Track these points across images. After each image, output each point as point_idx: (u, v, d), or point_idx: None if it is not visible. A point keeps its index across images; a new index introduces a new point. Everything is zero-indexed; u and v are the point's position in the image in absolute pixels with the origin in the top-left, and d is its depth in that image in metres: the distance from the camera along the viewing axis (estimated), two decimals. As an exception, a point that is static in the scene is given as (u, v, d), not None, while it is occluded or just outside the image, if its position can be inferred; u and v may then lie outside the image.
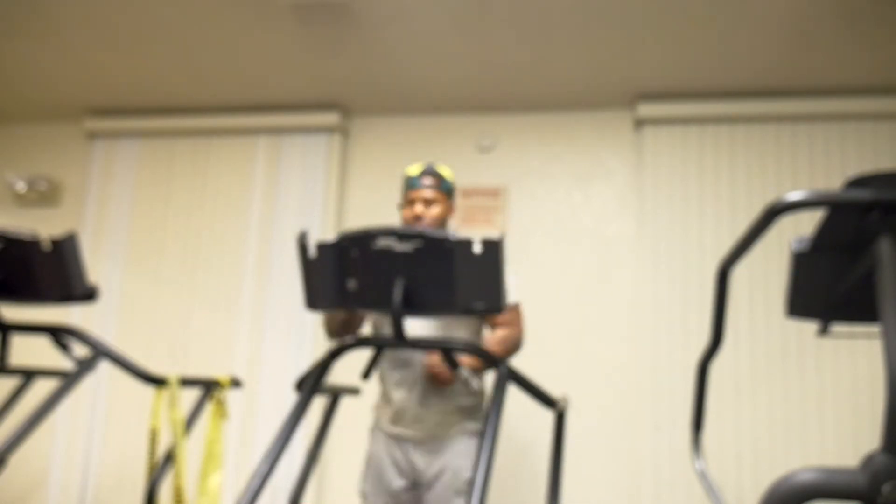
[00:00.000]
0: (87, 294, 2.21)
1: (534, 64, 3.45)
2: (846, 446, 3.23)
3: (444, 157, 3.67)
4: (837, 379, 3.31)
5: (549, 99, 3.78)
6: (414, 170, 2.47)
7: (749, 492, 3.23)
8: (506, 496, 3.43)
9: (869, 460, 1.01)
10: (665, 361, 3.44)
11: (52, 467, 3.88)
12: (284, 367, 3.74)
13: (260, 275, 3.90)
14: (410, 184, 2.44)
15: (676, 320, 3.47)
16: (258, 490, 1.71)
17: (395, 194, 3.72)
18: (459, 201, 3.74)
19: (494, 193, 3.82)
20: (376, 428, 2.47)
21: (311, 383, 1.97)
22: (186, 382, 2.67)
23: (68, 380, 2.25)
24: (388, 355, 2.44)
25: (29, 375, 2.74)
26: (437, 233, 1.81)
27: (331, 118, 3.92)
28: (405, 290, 1.80)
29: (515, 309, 2.44)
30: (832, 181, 3.42)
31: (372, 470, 2.42)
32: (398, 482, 2.36)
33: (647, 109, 3.66)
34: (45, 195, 4.22)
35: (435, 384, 2.31)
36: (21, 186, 4.18)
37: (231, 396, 2.94)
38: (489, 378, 2.48)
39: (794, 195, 1.15)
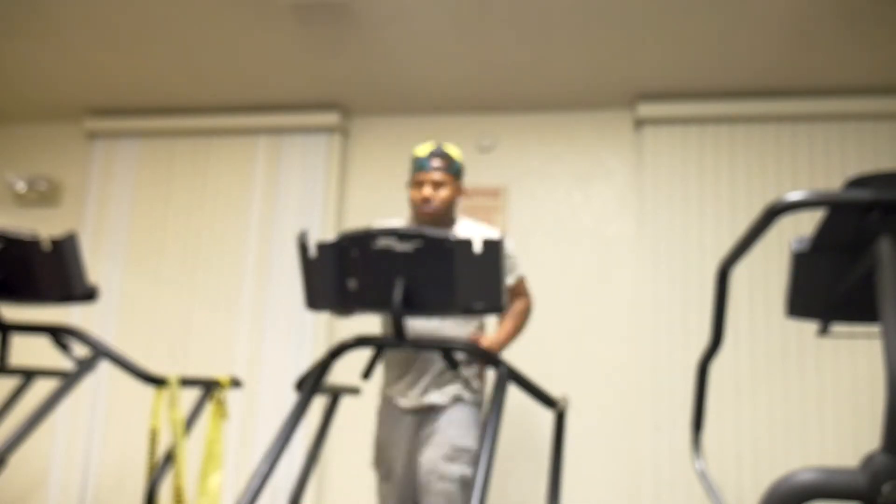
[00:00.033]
0: (87, 294, 2.21)
1: (534, 64, 3.45)
2: (846, 446, 3.23)
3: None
4: (837, 379, 3.31)
5: (549, 99, 3.78)
6: (423, 150, 2.45)
7: (749, 492, 3.23)
8: (506, 496, 3.43)
9: (869, 460, 1.02)
10: (665, 361, 3.44)
11: (52, 467, 3.88)
12: (284, 367, 3.74)
13: (260, 275, 3.90)
14: (419, 165, 2.43)
15: (676, 320, 3.47)
16: (258, 490, 1.71)
17: (396, 194, 3.73)
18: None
19: (494, 193, 3.82)
20: (383, 401, 2.49)
21: (311, 383, 1.97)
22: (186, 382, 2.67)
23: (68, 380, 2.25)
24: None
25: (29, 375, 2.74)
26: (437, 233, 1.81)
27: (331, 118, 3.92)
28: (405, 289, 1.80)
29: (523, 280, 2.57)
30: (832, 181, 3.42)
31: (379, 442, 2.46)
32: (402, 455, 2.38)
33: (647, 109, 3.66)
34: (45, 195, 4.22)
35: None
36: (21, 186, 4.18)
37: (231, 396, 2.94)
38: (489, 377, 2.48)
39: (794, 195, 1.16)
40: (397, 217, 2.67)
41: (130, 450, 3.66)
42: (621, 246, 3.68)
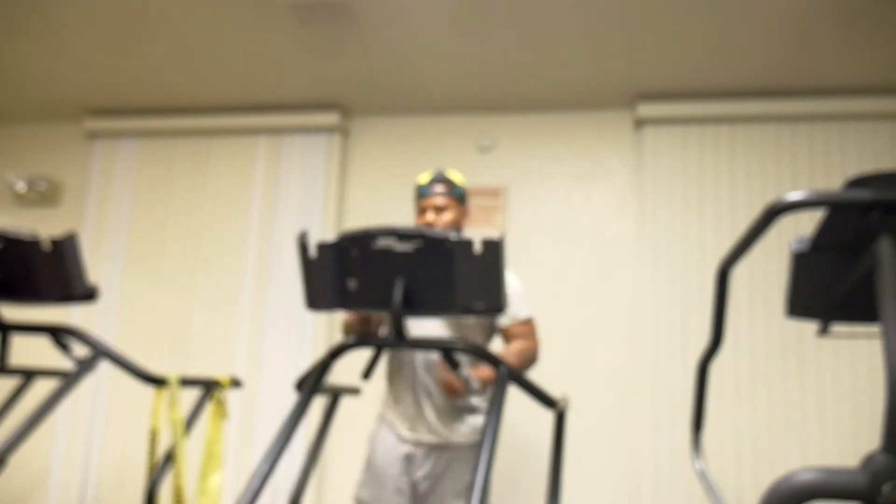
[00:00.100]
0: (87, 294, 2.21)
1: (534, 64, 3.45)
2: (846, 446, 3.23)
3: (444, 157, 3.68)
4: (837, 379, 3.31)
5: (549, 99, 3.78)
6: (424, 178, 2.45)
7: (749, 492, 3.23)
8: (506, 496, 3.43)
9: (869, 460, 1.02)
10: (665, 361, 3.44)
11: (52, 467, 3.88)
12: (284, 367, 3.74)
13: (260, 275, 3.90)
14: (421, 192, 2.43)
15: (676, 320, 3.47)
16: (258, 490, 1.71)
17: (396, 194, 3.74)
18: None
19: (494, 193, 3.82)
20: (384, 429, 2.44)
21: (311, 383, 1.97)
22: (186, 382, 2.67)
23: (68, 380, 2.24)
24: (395, 359, 2.43)
25: (29, 375, 2.73)
26: (436, 233, 1.81)
27: (331, 118, 3.92)
28: (405, 290, 1.80)
29: (530, 322, 2.43)
30: (832, 181, 3.42)
31: (373, 477, 2.39)
32: (403, 491, 2.34)
33: (647, 109, 3.66)
34: (45, 195, 4.22)
35: (448, 396, 2.31)
36: (21, 186, 4.18)
37: (231, 396, 2.94)
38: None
39: (794, 195, 1.16)
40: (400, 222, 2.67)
41: (130, 450, 3.66)
42: (621, 246, 3.68)
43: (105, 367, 3.49)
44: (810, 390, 3.33)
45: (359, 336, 2.27)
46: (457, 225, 2.43)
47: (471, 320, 2.38)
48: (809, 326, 1.64)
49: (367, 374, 2.11)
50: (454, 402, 2.35)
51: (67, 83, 3.89)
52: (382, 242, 1.80)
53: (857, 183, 1.16)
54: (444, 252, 1.77)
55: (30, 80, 3.87)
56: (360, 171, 4.01)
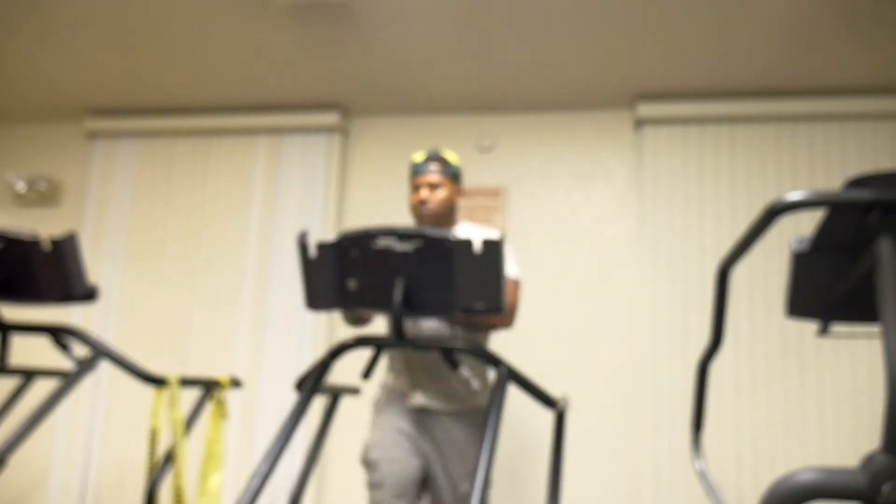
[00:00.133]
0: (87, 294, 2.21)
1: (534, 64, 3.45)
2: (846, 446, 3.23)
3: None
4: (837, 379, 3.31)
5: (549, 99, 3.78)
6: (419, 156, 2.48)
7: (749, 492, 3.23)
8: (506, 496, 3.43)
9: (869, 460, 1.02)
10: (665, 361, 3.44)
11: (52, 467, 3.88)
12: (284, 367, 3.74)
13: (260, 275, 3.90)
14: (415, 170, 2.46)
15: (676, 320, 3.47)
16: (258, 490, 1.71)
17: (396, 194, 3.74)
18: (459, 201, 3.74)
19: (494, 193, 3.82)
20: (389, 395, 2.42)
21: (311, 383, 1.97)
22: (186, 382, 2.67)
23: (68, 380, 2.25)
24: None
25: (29, 375, 2.74)
26: (437, 233, 1.81)
27: (331, 118, 3.92)
28: (405, 289, 1.80)
29: (514, 283, 2.37)
30: (832, 181, 3.42)
31: (384, 435, 2.34)
32: (414, 449, 2.33)
33: (647, 109, 3.66)
34: (45, 195, 4.22)
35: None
36: (21, 186, 4.18)
37: (231, 396, 2.94)
38: (489, 376, 2.48)
39: (794, 195, 1.16)
40: (397, 220, 2.68)
41: (130, 450, 3.66)
42: (621, 246, 3.68)
43: (105, 367, 3.49)
44: (810, 390, 3.33)
45: (358, 336, 2.27)
46: (450, 202, 2.45)
47: None
48: (809, 326, 1.64)
49: (367, 374, 2.12)
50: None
51: (67, 83, 3.89)
52: (382, 242, 1.80)
53: (857, 183, 1.16)
54: (444, 252, 1.77)
55: (30, 80, 3.87)
56: (360, 171, 4.01)
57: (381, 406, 2.45)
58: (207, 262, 3.97)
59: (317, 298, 1.96)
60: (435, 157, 2.46)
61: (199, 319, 3.90)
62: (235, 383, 2.87)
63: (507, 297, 2.20)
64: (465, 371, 2.37)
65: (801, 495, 1.02)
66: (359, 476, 2.49)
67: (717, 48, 3.22)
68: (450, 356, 2.03)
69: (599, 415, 3.49)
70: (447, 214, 2.45)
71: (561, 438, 2.43)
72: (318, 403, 2.93)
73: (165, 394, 2.57)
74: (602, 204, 3.75)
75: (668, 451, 3.35)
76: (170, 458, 2.72)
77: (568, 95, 3.74)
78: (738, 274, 3.14)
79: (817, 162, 3.53)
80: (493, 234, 1.82)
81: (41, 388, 2.65)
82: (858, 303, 1.34)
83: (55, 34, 3.39)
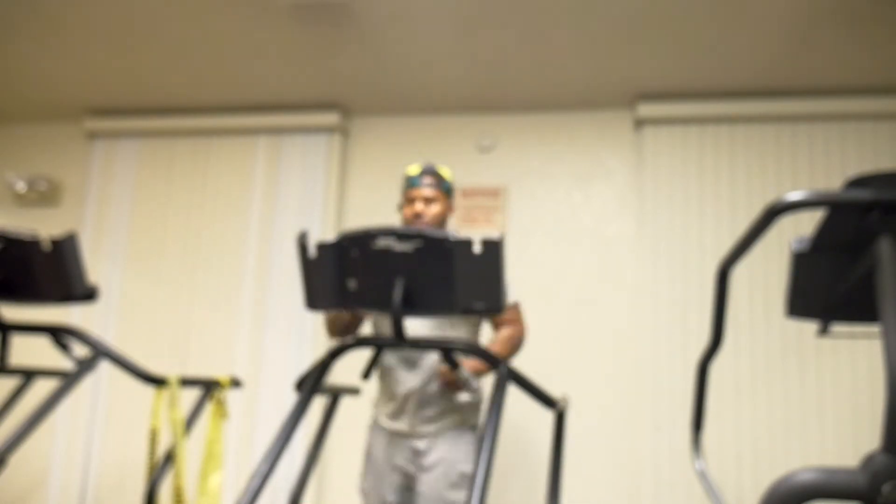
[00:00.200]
0: (87, 294, 2.21)
1: (534, 64, 3.45)
2: (846, 446, 3.23)
3: (444, 157, 3.67)
4: (837, 379, 3.31)
5: (549, 99, 3.78)
6: (413, 169, 2.49)
7: (749, 492, 3.23)
8: (506, 496, 3.43)
9: (869, 460, 1.01)
10: (665, 361, 3.44)
11: (52, 467, 3.88)
12: (284, 367, 3.74)
13: (260, 275, 3.90)
14: (410, 183, 2.47)
15: (676, 320, 3.47)
16: (258, 490, 1.71)
17: (396, 194, 3.72)
18: (459, 201, 3.74)
19: (494, 193, 3.82)
20: (375, 425, 2.48)
21: (311, 383, 1.97)
22: (186, 382, 2.67)
23: (68, 380, 2.24)
24: (390, 353, 2.44)
25: (29, 375, 2.73)
26: (437, 233, 1.81)
27: (331, 118, 3.92)
28: (405, 290, 1.80)
29: (516, 307, 2.48)
30: (832, 181, 3.42)
31: (371, 468, 2.43)
32: (396, 481, 2.37)
33: (647, 109, 3.66)
34: (45, 195, 4.22)
35: (446, 389, 2.32)
36: (21, 186, 4.18)
37: (231, 396, 2.94)
38: (489, 378, 2.48)
39: (794, 195, 1.16)
40: (397, 220, 2.68)
41: (130, 450, 3.66)
42: (621, 246, 3.68)
43: (105, 367, 3.50)
44: (810, 390, 3.33)
45: (358, 336, 2.27)
46: (443, 218, 2.48)
47: None
48: (809, 326, 1.64)
49: (367, 374, 2.12)
50: (449, 395, 2.35)
51: (67, 83, 3.89)
52: (382, 242, 1.80)
53: (857, 183, 1.16)
54: (443, 252, 1.77)
55: (30, 80, 3.87)
56: (360, 171, 4.01)
57: (370, 434, 2.49)
58: (207, 262, 3.97)
59: (317, 298, 1.96)
60: (430, 171, 2.47)
61: (199, 319, 3.90)
62: (235, 383, 2.87)
63: (519, 326, 2.47)
64: (465, 372, 2.37)
65: (801, 495, 1.02)
66: (358, 476, 2.50)
67: (717, 48, 3.22)
68: (449, 356, 2.03)
69: (599, 415, 3.49)
70: (440, 229, 2.47)
71: (561, 438, 2.43)
72: (318, 403, 2.93)
73: (165, 394, 2.57)
74: (602, 204, 3.75)
75: (668, 451, 3.35)
76: (170, 458, 2.72)
77: (568, 95, 3.74)
78: (738, 274, 3.15)
79: (817, 162, 3.53)
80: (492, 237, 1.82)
81: (41, 388, 2.65)
82: (858, 303, 1.34)
83: (55, 34, 3.39)
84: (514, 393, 2.21)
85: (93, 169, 4.20)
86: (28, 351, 2.62)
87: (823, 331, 1.61)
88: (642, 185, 3.67)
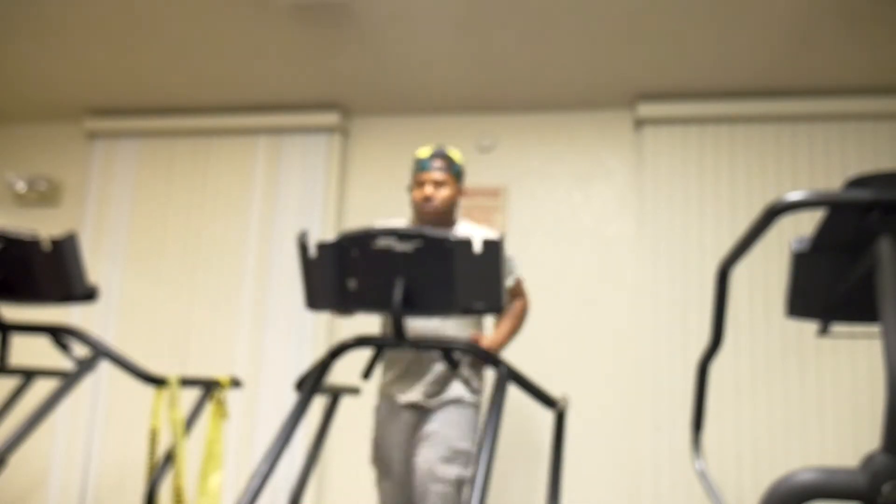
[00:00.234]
0: (87, 294, 2.21)
1: (534, 64, 3.45)
2: (846, 446, 3.23)
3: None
4: (837, 379, 3.31)
5: (549, 99, 3.78)
6: (424, 152, 2.49)
7: (749, 492, 3.23)
8: (506, 496, 3.43)
9: (869, 460, 1.02)
10: (665, 361, 3.44)
11: (52, 467, 3.88)
12: (284, 367, 3.74)
13: (260, 275, 3.90)
14: (420, 165, 2.47)
15: (676, 320, 3.47)
16: (258, 490, 1.71)
17: (395, 194, 3.73)
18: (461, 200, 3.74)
19: (494, 193, 3.82)
20: (379, 394, 2.49)
21: (311, 383, 1.97)
22: (186, 382, 2.67)
23: (68, 380, 2.25)
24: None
25: (29, 375, 2.74)
26: (437, 233, 1.81)
27: (331, 118, 3.92)
28: (405, 289, 1.80)
29: (520, 282, 2.58)
30: (832, 181, 3.42)
31: (376, 439, 2.46)
32: (397, 451, 2.39)
33: (647, 109, 3.66)
34: (45, 195, 4.22)
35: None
36: (21, 186, 4.18)
37: (231, 396, 2.94)
38: (489, 379, 2.48)
39: (794, 195, 1.16)
40: (399, 217, 2.68)
41: (130, 450, 3.66)
42: (621, 246, 3.68)
43: (105, 367, 3.50)
44: (810, 390, 3.33)
45: (358, 336, 2.28)
46: (453, 201, 2.49)
47: None
48: (809, 326, 1.64)
49: (367, 374, 2.12)
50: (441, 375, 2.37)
51: (67, 83, 3.89)
52: (382, 242, 1.80)
53: (857, 183, 1.16)
54: (443, 252, 1.77)
55: (30, 80, 3.87)
56: (360, 171, 4.01)
57: (376, 412, 2.52)
58: (207, 262, 3.97)
59: (317, 298, 1.97)
60: (440, 154, 2.47)
61: (199, 319, 3.90)
62: (235, 383, 2.87)
63: (525, 298, 2.60)
64: (466, 371, 2.37)
65: (801, 495, 1.02)
66: (358, 476, 2.50)
67: (717, 48, 3.22)
68: (450, 356, 2.03)
69: (599, 415, 3.49)
70: (449, 212, 2.48)
71: (561, 438, 2.43)
72: (318, 403, 2.93)
73: (165, 394, 2.57)
74: (602, 204, 3.75)
75: (668, 451, 3.35)
76: (170, 458, 2.72)
77: (568, 95, 3.74)
78: (738, 274, 3.15)
79: (817, 162, 3.53)
80: (492, 234, 1.82)
81: (41, 388, 2.65)
82: (858, 303, 1.34)
83: (55, 34, 3.39)
84: (514, 393, 2.22)
85: (93, 169, 4.20)
86: (28, 351, 2.62)
87: (823, 331, 1.61)
88: (642, 185, 3.67)
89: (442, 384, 2.36)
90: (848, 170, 3.38)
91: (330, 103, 3.92)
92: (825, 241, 1.32)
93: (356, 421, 2.90)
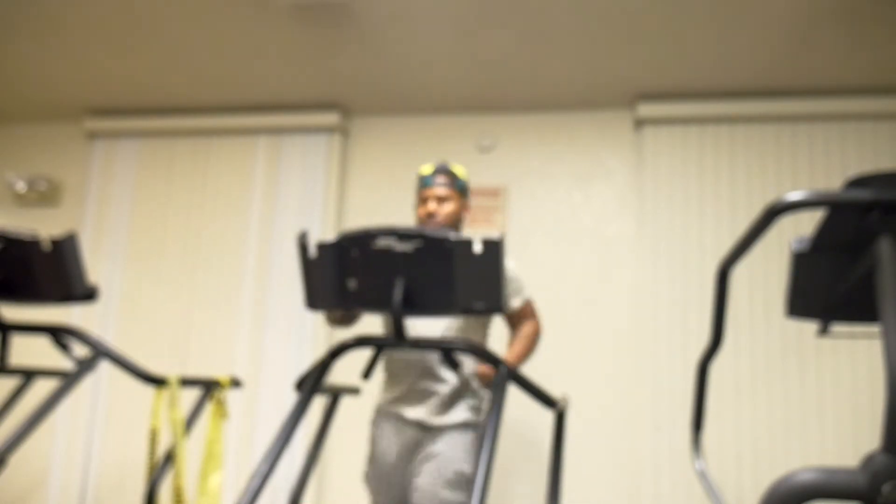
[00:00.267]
0: (87, 294, 2.21)
1: (534, 64, 3.45)
2: (846, 446, 3.23)
3: (444, 157, 3.67)
4: (837, 379, 3.31)
5: (549, 99, 3.78)
6: (427, 169, 2.49)
7: (749, 492, 3.23)
8: (506, 496, 3.44)
9: (869, 460, 1.02)
10: (665, 361, 3.44)
11: (52, 467, 3.88)
12: (284, 367, 3.74)
13: (260, 275, 3.90)
14: (424, 182, 2.46)
15: (676, 320, 3.47)
16: (258, 490, 1.71)
17: (395, 194, 3.74)
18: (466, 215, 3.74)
19: (494, 193, 3.82)
20: (379, 411, 2.46)
21: (311, 383, 1.97)
22: (186, 382, 2.67)
23: (68, 380, 2.25)
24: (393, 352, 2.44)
25: (29, 375, 2.74)
26: (436, 233, 1.81)
27: (331, 118, 3.92)
28: (405, 289, 1.80)
29: (530, 304, 2.52)
30: (832, 181, 3.42)
31: (374, 456, 2.42)
32: (397, 469, 2.35)
33: (647, 109, 3.66)
34: (45, 195, 4.22)
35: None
36: (21, 186, 4.18)
37: (231, 396, 2.94)
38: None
39: (794, 195, 1.16)
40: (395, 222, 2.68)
41: (130, 450, 3.66)
42: (621, 246, 3.68)
43: (105, 367, 3.50)
44: (810, 390, 3.33)
45: (358, 336, 2.28)
46: (457, 217, 2.47)
47: None
48: (809, 326, 1.64)
49: (367, 374, 2.12)
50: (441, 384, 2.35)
51: (67, 83, 3.89)
52: (382, 242, 1.80)
53: (857, 183, 1.16)
54: (443, 252, 1.77)
55: (30, 80, 3.87)
56: (360, 171, 4.01)
57: (374, 426, 2.49)
58: (207, 262, 3.97)
59: (317, 298, 1.97)
60: (443, 169, 2.46)
61: (199, 319, 3.90)
62: (235, 383, 2.87)
63: (536, 320, 2.54)
64: (467, 372, 2.36)
65: (801, 495, 1.02)
66: (358, 476, 2.50)
67: (717, 48, 3.22)
68: (450, 356, 2.03)
69: (599, 415, 3.49)
70: (454, 228, 2.46)
71: (561, 438, 2.43)
72: (318, 403, 2.93)
73: (165, 394, 2.57)
74: (602, 204, 3.75)
75: (668, 451, 3.35)
76: (170, 458, 2.72)
77: (568, 95, 3.74)
78: (738, 274, 3.15)
79: (817, 162, 3.53)
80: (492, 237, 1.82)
81: (41, 388, 2.65)
82: (858, 303, 1.34)
83: (55, 34, 3.39)
84: (514, 393, 2.22)
85: (93, 169, 4.20)
86: (28, 351, 2.62)
87: (823, 331, 1.61)
88: (642, 185, 3.67)
89: (448, 405, 2.33)
90: (848, 170, 3.38)
91: (330, 103, 3.92)
92: (825, 241, 1.32)
93: (356, 421, 2.89)
